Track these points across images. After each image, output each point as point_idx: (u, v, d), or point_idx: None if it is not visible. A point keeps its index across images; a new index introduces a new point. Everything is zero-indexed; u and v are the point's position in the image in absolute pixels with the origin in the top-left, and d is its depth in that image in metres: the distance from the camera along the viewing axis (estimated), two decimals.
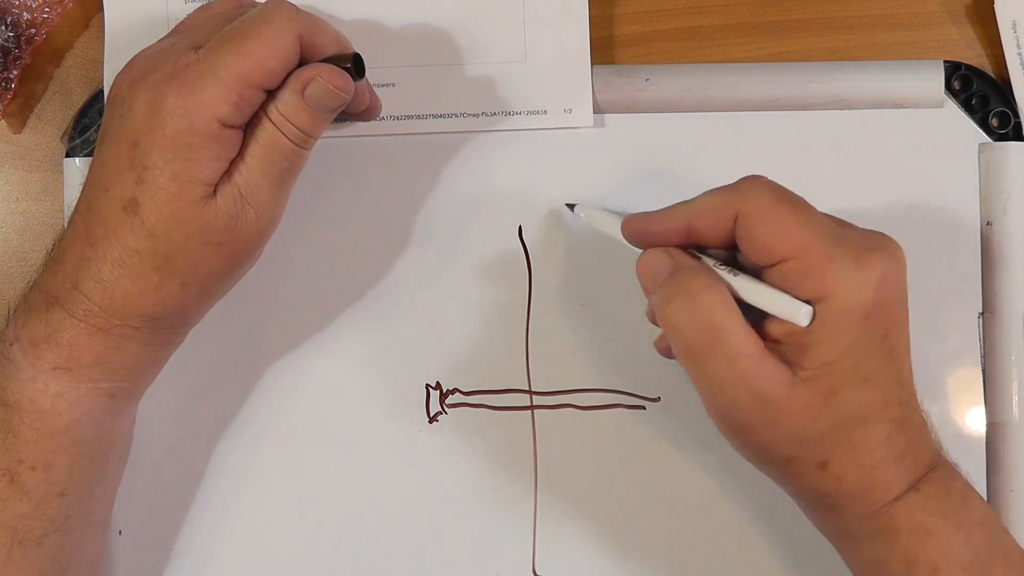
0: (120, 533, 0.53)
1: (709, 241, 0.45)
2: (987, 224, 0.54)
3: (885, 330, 0.42)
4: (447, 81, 0.54)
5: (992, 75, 0.55)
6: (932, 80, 0.54)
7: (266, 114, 0.46)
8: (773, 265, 0.42)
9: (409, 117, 0.54)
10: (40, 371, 0.45)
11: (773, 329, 0.42)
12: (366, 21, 0.54)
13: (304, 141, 0.47)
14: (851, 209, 0.53)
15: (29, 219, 0.56)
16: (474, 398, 0.54)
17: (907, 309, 0.44)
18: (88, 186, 0.46)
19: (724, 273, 0.43)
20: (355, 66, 0.47)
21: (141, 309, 0.46)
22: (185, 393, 0.54)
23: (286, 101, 0.46)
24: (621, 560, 0.53)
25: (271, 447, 0.54)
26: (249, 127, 0.46)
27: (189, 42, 0.47)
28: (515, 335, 0.54)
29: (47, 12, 0.55)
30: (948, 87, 0.54)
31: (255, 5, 0.49)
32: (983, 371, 0.53)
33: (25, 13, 0.55)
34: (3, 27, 0.54)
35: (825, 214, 0.44)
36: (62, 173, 0.54)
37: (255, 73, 0.45)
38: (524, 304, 0.54)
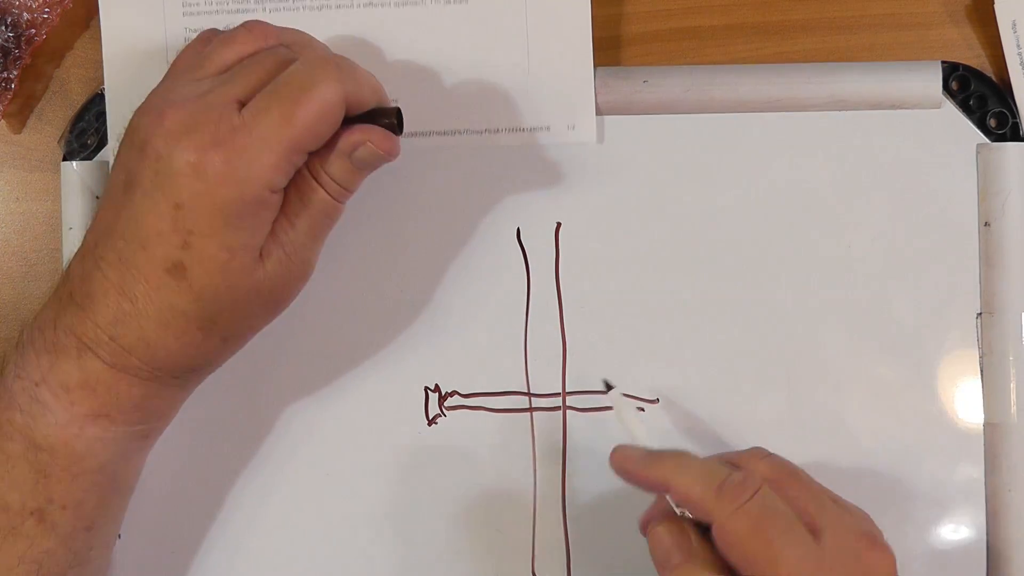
0: (120, 537, 0.53)
1: None
2: (985, 224, 0.54)
3: None
4: (450, 99, 0.53)
5: (992, 76, 0.55)
6: (930, 81, 0.54)
7: (312, 174, 0.46)
8: None
9: (412, 135, 0.53)
10: (76, 416, 0.45)
11: None
12: (367, 38, 0.53)
13: (345, 196, 0.47)
14: (850, 208, 0.54)
15: (29, 219, 0.56)
16: (473, 400, 0.54)
17: None
18: (118, 235, 0.44)
19: None
20: (397, 120, 0.47)
21: (184, 363, 0.46)
22: None
23: (335, 164, 0.46)
24: (621, 560, 0.53)
25: (269, 449, 0.54)
26: (291, 184, 0.46)
27: (228, 95, 0.44)
28: (514, 337, 0.54)
29: (47, 12, 0.55)
30: (946, 88, 0.54)
31: (281, 44, 0.47)
32: (981, 371, 0.53)
33: (25, 13, 0.55)
34: (3, 27, 0.54)
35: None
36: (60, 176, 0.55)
37: (305, 140, 0.44)
38: (523, 306, 0.54)
